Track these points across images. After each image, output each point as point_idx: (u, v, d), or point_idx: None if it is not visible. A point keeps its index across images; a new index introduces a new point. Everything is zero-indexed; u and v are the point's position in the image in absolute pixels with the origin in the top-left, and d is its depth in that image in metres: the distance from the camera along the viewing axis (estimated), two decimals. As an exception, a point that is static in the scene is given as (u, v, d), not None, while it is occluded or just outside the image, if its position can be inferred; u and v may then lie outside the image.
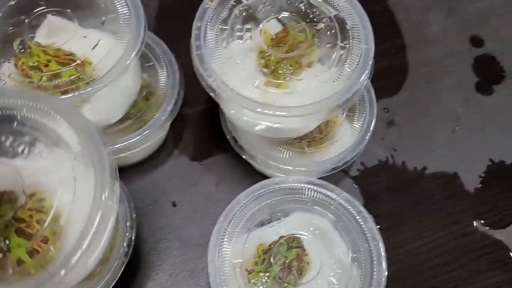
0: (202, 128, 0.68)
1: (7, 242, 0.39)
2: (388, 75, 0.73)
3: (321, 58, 0.51)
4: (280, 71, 0.50)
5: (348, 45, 0.50)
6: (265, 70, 0.51)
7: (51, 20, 0.54)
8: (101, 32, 0.54)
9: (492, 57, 0.75)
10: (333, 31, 0.51)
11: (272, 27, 0.52)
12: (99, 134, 0.42)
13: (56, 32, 0.53)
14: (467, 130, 0.69)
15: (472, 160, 0.67)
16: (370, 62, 0.49)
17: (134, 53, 0.50)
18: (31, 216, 0.39)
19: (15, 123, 0.43)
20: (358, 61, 0.49)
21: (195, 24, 0.50)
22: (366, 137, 0.57)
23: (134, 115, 0.59)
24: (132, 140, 0.56)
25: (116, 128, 0.58)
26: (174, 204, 0.63)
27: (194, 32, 0.49)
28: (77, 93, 0.47)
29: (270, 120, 0.48)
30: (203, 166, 0.65)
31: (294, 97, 0.48)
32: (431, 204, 0.64)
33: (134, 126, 0.59)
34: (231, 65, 0.49)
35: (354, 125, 0.58)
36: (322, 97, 0.48)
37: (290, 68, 0.50)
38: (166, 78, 0.61)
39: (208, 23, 0.50)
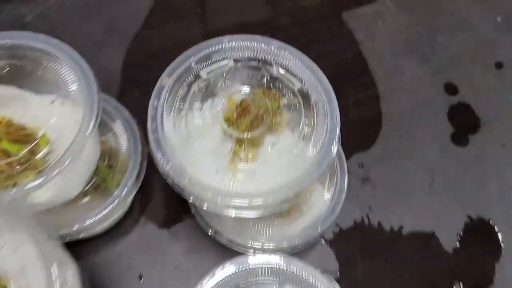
0: (170, 193, 0.65)
1: None
2: (361, 127, 0.71)
3: (286, 135, 0.48)
4: (243, 150, 0.47)
5: (313, 122, 0.48)
6: (227, 149, 0.48)
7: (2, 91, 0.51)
8: (54, 108, 0.50)
9: (467, 105, 0.73)
10: (297, 107, 0.48)
11: (233, 104, 0.49)
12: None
13: (7, 104, 0.50)
14: (444, 184, 0.67)
15: (449, 217, 0.65)
16: (335, 140, 0.46)
17: (88, 131, 0.47)
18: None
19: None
20: (323, 139, 0.46)
21: (151, 103, 0.47)
22: (337, 209, 0.54)
23: (97, 185, 0.56)
24: (96, 218, 0.53)
25: (78, 203, 0.55)
26: (140, 277, 0.59)
27: (150, 112, 0.46)
28: (30, 185, 0.44)
29: (233, 210, 0.45)
30: (171, 234, 0.62)
31: (257, 179, 0.46)
32: (408, 267, 0.61)
33: (97, 197, 0.56)
34: (191, 147, 0.47)
35: (325, 194, 0.55)
36: (289, 176, 0.46)
37: (253, 147, 0.47)
38: (127, 140, 0.58)
39: (166, 102, 0.47)
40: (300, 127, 0.48)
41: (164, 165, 0.45)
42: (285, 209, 0.50)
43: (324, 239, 0.63)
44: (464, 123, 0.72)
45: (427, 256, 0.62)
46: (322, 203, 0.55)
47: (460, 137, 0.70)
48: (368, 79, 0.74)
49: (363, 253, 0.62)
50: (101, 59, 0.72)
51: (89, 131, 0.47)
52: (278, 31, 0.77)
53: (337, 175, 0.56)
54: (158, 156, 0.45)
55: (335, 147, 0.46)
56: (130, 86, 0.70)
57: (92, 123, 0.46)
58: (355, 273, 0.61)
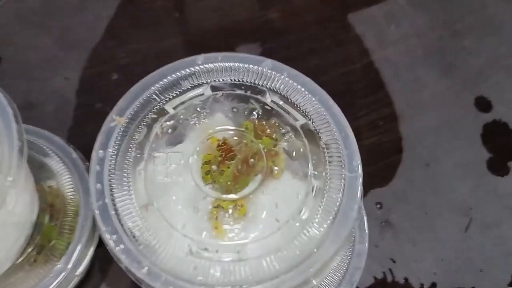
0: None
1: None
2: (377, 156, 0.57)
3: (287, 194, 0.34)
4: (228, 218, 0.33)
5: (324, 173, 0.33)
6: (203, 215, 0.34)
7: None
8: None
9: (504, 123, 0.59)
10: (301, 151, 0.34)
11: (214, 143, 0.35)
12: None
13: None
14: (483, 226, 0.53)
15: (493, 268, 0.52)
16: (357, 199, 0.32)
17: (8, 179, 0.32)
18: None
19: None
20: (340, 199, 0.32)
21: (95, 155, 0.33)
22: (357, 277, 0.40)
23: (40, 248, 0.43)
24: None
25: (17, 275, 0.42)
26: None
27: (93, 167, 0.32)
28: None
29: None
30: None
31: (250, 260, 0.32)
32: None
33: (42, 264, 0.43)
34: (153, 216, 0.32)
35: (339, 260, 0.41)
36: (293, 256, 0.33)
37: (241, 213, 0.33)
38: (76, 189, 0.46)
39: (115, 152, 0.33)
40: (307, 181, 0.34)
41: (115, 248, 0.31)
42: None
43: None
44: (502, 147, 0.58)
45: None
46: (338, 271, 0.41)
47: (499, 164, 0.57)
48: (382, 95, 0.60)
49: None
50: (52, 80, 0.58)
51: (9, 179, 0.32)
52: (269, 38, 0.63)
53: (355, 233, 0.41)
54: (106, 235, 0.31)
55: (355, 210, 0.32)
56: (87, 116, 0.55)
57: (13, 167, 0.32)
58: None
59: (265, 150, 0.36)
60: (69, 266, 0.42)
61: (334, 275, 0.42)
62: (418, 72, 0.62)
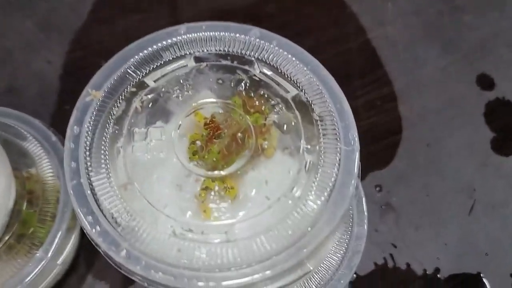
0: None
1: None
2: (375, 137, 0.54)
3: (278, 169, 0.31)
4: (215, 197, 0.31)
5: (318, 147, 0.31)
6: (188, 195, 0.31)
7: None
8: None
9: (507, 101, 0.56)
10: (293, 125, 0.32)
11: (200, 120, 0.32)
12: None
13: None
14: (488, 207, 0.51)
15: (499, 251, 0.49)
16: (354, 173, 0.30)
17: None
18: None
19: None
20: (336, 174, 0.30)
21: (70, 131, 0.30)
22: (355, 261, 0.37)
23: (19, 237, 0.40)
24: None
25: None
26: None
27: (67, 145, 0.30)
28: None
29: None
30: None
31: (239, 241, 0.29)
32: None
33: (23, 253, 0.41)
34: (133, 198, 0.30)
35: (338, 243, 0.38)
36: (286, 234, 0.30)
37: (228, 192, 0.30)
38: (57, 175, 0.43)
39: (92, 128, 0.30)
40: (299, 156, 0.31)
41: (91, 232, 0.28)
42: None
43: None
44: (506, 125, 0.55)
45: None
46: (335, 255, 0.38)
47: (503, 143, 0.54)
48: (381, 74, 0.58)
49: None
50: (34, 64, 0.56)
51: None
52: (263, 18, 0.60)
53: (353, 214, 0.39)
54: (82, 218, 0.28)
55: (352, 186, 0.30)
56: (70, 100, 0.52)
57: None
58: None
59: (255, 126, 0.34)
60: (49, 254, 0.39)
61: (332, 259, 0.39)
62: (417, 50, 0.60)
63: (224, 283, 0.28)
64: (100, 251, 0.29)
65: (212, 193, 0.31)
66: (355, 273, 0.47)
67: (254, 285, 0.29)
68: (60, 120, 0.51)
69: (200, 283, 0.28)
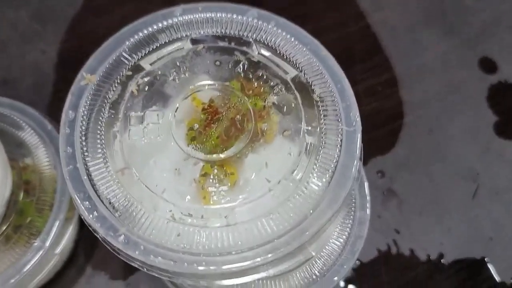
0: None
1: None
2: (377, 123, 0.53)
3: (278, 150, 0.30)
4: (214, 181, 0.30)
5: (319, 128, 0.30)
6: (187, 180, 0.30)
7: None
8: None
9: (510, 85, 0.55)
10: (293, 106, 0.31)
11: (198, 105, 0.31)
12: None
13: None
14: (492, 192, 0.50)
15: (503, 236, 0.48)
16: (356, 155, 0.29)
17: None
18: None
19: None
20: (337, 156, 0.29)
21: (65, 116, 0.29)
22: (358, 246, 0.37)
23: (16, 225, 0.40)
24: (19, 275, 0.38)
25: None
26: None
27: (62, 131, 0.29)
28: None
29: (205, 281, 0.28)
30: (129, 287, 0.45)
31: (239, 225, 0.29)
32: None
33: (22, 244, 0.40)
34: (132, 183, 0.29)
35: (340, 227, 0.37)
36: (287, 217, 0.29)
37: (228, 175, 0.30)
38: (54, 165, 0.42)
39: (87, 113, 0.30)
40: (300, 138, 0.30)
41: (87, 216, 0.27)
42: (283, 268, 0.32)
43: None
44: (509, 109, 0.55)
45: None
46: (338, 240, 0.37)
47: (506, 127, 0.53)
48: (381, 59, 0.57)
49: None
50: (29, 54, 0.55)
51: None
52: (262, 3, 0.59)
53: (355, 199, 0.38)
54: (78, 203, 0.28)
55: (355, 168, 0.29)
56: (65, 89, 0.52)
57: None
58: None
59: (255, 110, 0.33)
60: (47, 244, 0.38)
61: (334, 244, 0.39)
62: (418, 34, 0.59)
63: (225, 267, 0.27)
64: (98, 237, 0.29)
65: (212, 176, 0.30)
66: (358, 259, 0.47)
67: (255, 269, 0.28)
68: (56, 110, 0.50)
69: (201, 267, 0.27)
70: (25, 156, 0.42)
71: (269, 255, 0.28)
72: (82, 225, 0.45)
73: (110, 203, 0.29)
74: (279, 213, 0.29)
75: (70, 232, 0.41)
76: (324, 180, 0.30)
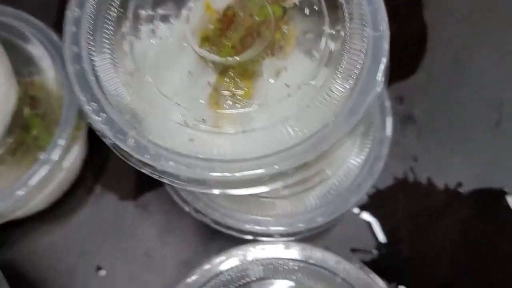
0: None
1: None
2: (398, 47, 0.50)
3: (298, 57, 0.28)
4: (230, 84, 0.28)
5: (343, 33, 0.28)
6: (203, 85, 0.28)
7: None
8: None
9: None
10: (315, 9, 0.29)
11: (212, 13, 0.29)
12: None
13: None
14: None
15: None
16: (382, 63, 0.27)
17: None
18: None
19: None
20: (362, 62, 0.27)
21: (69, 14, 0.27)
22: (377, 167, 0.36)
23: (22, 138, 0.39)
24: (25, 191, 0.37)
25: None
26: (98, 269, 0.42)
27: (67, 29, 0.27)
28: None
29: (218, 188, 0.26)
30: (138, 209, 0.44)
31: (255, 133, 0.27)
32: (471, 240, 0.44)
33: (25, 154, 0.39)
34: (142, 86, 0.27)
35: (359, 148, 0.36)
36: (305, 126, 0.27)
37: (246, 79, 0.28)
38: (55, 71, 0.41)
39: (94, 11, 0.28)
40: (322, 42, 0.28)
41: (96, 120, 0.26)
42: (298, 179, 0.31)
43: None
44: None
45: (496, 225, 0.45)
46: (355, 160, 0.36)
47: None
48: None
49: (408, 223, 0.46)
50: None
51: None
52: None
53: (375, 119, 0.36)
54: (85, 105, 0.26)
55: (381, 77, 0.27)
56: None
57: None
58: (398, 251, 0.45)
59: (274, 17, 0.30)
60: (54, 157, 0.37)
61: (352, 164, 0.37)
62: None
63: (239, 173, 0.26)
64: (107, 142, 0.27)
65: (227, 80, 0.28)
66: (374, 186, 0.46)
67: (271, 178, 0.27)
68: (62, 21, 0.48)
69: (214, 173, 0.26)
70: (31, 72, 0.40)
71: (286, 163, 0.26)
72: (91, 145, 0.44)
73: (118, 105, 0.27)
74: (298, 119, 0.27)
75: (78, 150, 0.40)
76: (347, 86, 0.28)
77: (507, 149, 0.48)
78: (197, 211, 0.36)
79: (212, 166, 0.26)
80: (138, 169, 0.27)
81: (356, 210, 0.46)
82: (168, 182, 0.27)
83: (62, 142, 0.38)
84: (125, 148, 0.26)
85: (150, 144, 0.26)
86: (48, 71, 0.41)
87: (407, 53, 0.52)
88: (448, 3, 0.52)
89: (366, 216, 0.46)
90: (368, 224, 0.46)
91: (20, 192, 0.37)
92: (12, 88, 0.37)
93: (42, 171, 0.37)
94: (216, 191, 0.27)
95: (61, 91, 0.41)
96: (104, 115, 0.27)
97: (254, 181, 0.27)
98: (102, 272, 0.44)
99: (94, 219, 0.45)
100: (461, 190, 0.47)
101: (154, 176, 0.27)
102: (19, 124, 0.39)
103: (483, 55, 0.51)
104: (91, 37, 0.28)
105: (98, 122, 0.27)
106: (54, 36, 0.41)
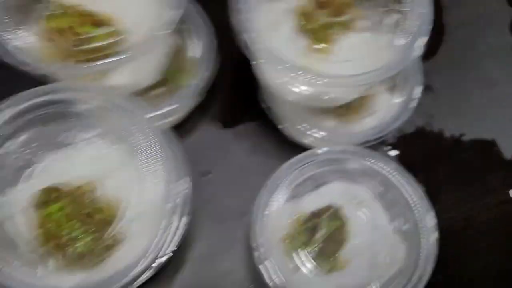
0: (234, 95, 0.65)
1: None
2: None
3: (371, 24, 0.46)
4: (324, 36, 0.46)
5: (404, 10, 0.46)
6: (307, 34, 0.46)
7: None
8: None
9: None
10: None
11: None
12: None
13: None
14: (506, 96, 0.66)
15: (510, 127, 0.64)
16: (428, 28, 0.45)
17: (164, 25, 0.46)
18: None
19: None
20: (415, 29, 0.45)
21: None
22: (410, 106, 0.54)
23: (167, 81, 0.55)
24: (162, 111, 0.52)
25: (147, 95, 0.54)
26: (205, 175, 0.60)
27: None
28: (109, 60, 0.44)
29: (310, 87, 0.44)
30: (234, 135, 0.62)
31: (338, 65, 0.45)
32: (468, 174, 0.61)
33: (167, 93, 0.55)
34: (272, 28, 0.45)
35: (396, 95, 0.54)
36: (369, 67, 0.44)
37: (336, 33, 0.46)
38: (200, 40, 0.56)
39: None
40: (389, 16, 0.46)
41: (247, 41, 0.43)
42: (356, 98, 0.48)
43: (385, 144, 0.62)
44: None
45: (487, 164, 0.62)
46: (390, 106, 0.54)
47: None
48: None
49: (424, 159, 0.61)
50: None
51: (164, 24, 0.46)
52: None
53: (411, 79, 0.54)
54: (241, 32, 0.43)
55: (425, 38, 0.45)
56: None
57: (171, 16, 0.45)
58: (415, 178, 0.60)
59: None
60: (196, 84, 0.54)
61: (395, 102, 0.55)
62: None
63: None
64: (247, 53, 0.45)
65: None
66: (400, 131, 0.62)
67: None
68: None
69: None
70: (183, 37, 0.56)
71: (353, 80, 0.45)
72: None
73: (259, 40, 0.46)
74: (369, 56, 0.45)
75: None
76: (403, 39, 0.46)
77: (496, 114, 0.64)
78: (287, 127, 0.53)
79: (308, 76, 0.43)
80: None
81: (386, 148, 0.64)
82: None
83: (202, 79, 0.55)
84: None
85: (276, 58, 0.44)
86: (195, 44, 0.56)
87: (429, 42, 0.70)
88: (460, 8, 0.70)
89: (392, 152, 0.64)
90: (394, 157, 0.63)
91: (161, 111, 0.52)
92: (168, 44, 0.54)
93: (185, 97, 0.55)
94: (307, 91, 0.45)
95: (198, 57, 0.56)
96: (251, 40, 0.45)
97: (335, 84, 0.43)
98: (207, 176, 0.58)
99: (202, 139, 0.59)
100: (462, 139, 0.64)
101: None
102: (170, 66, 0.55)
103: (485, 48, 0.67)
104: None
105: (246, 41, 0.44)
106: (207, 20, 0.57)
